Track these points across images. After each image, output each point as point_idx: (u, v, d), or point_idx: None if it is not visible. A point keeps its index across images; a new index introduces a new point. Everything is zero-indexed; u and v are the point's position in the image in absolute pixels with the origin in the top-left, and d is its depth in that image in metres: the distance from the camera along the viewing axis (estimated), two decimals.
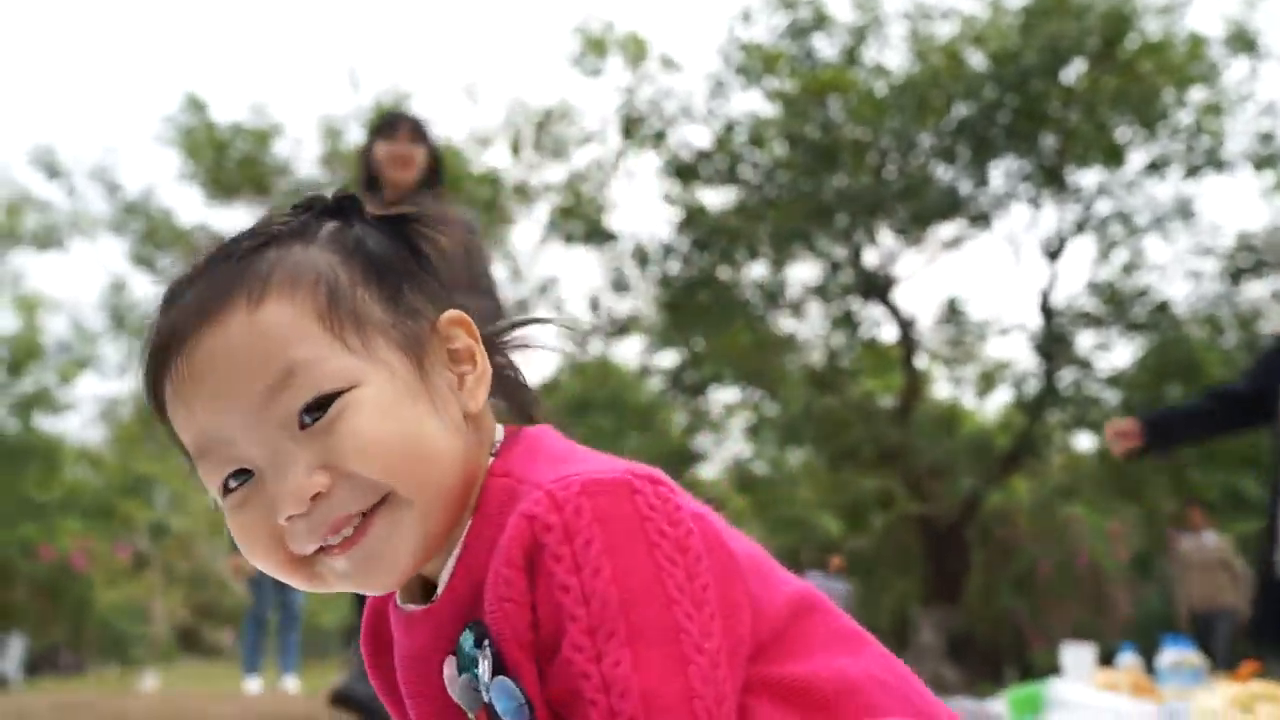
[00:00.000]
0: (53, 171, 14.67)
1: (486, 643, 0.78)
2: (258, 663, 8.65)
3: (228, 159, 14.16)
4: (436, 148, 4.10)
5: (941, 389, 17.04)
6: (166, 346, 0.80)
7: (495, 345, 0.91)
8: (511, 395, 0.92)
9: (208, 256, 0.84)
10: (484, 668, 0.78)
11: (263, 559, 0.81)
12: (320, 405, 0.78)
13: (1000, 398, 16.89)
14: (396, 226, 0.88)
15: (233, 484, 0.81)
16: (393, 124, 4.07)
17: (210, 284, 0.81)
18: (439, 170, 4.09)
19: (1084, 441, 16.27)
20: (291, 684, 8.56)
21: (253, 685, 8.38)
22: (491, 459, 0.86)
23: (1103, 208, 13.42)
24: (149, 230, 14.47)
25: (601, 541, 0.75)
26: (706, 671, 0.74)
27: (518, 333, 0.93)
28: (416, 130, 4.02)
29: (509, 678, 0.77)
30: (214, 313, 0.79)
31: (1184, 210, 13.18)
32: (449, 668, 0.83)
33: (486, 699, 0.79)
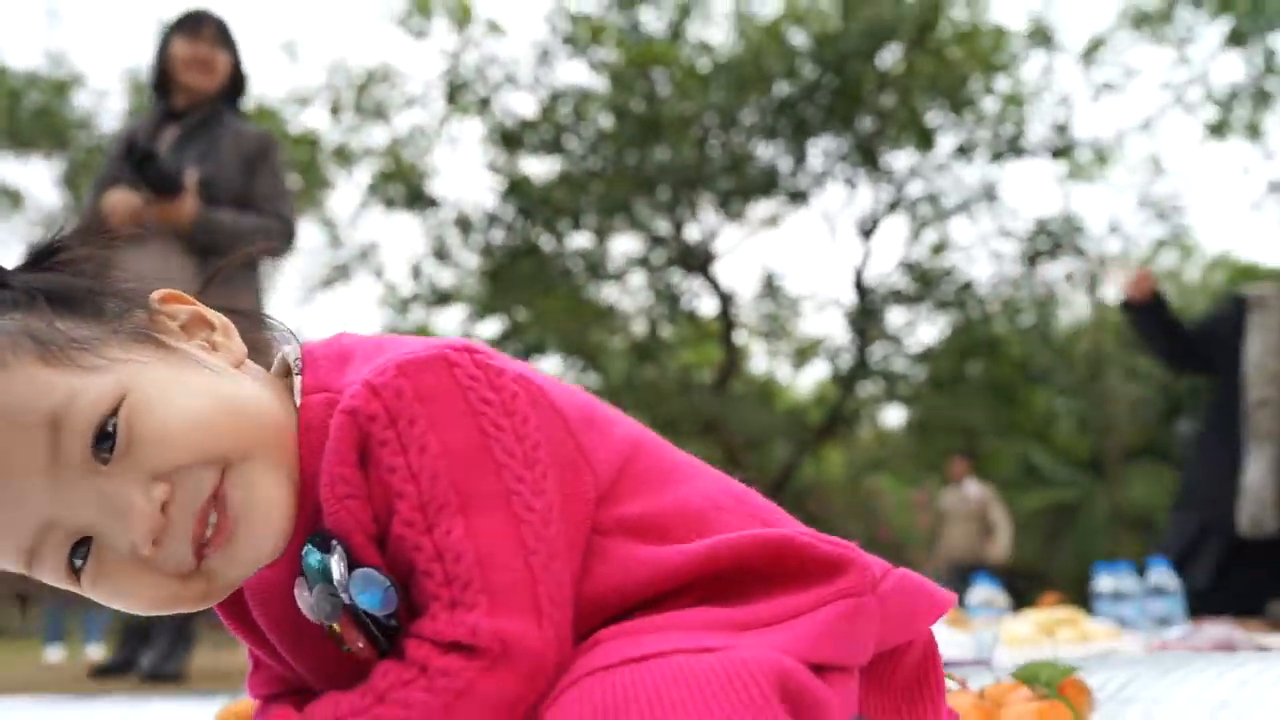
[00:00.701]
0: None
1: (335, 543, 0.76)
2: (59, 631, 8.39)
3: (21, 110, 13.31)
4: (240, 57, 3.72)
5: (759, 363, 17.45)
6: None
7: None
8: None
9: None
10: (338, 568, 0.76)
11: (157, 603, 0.78)
12: (105, 435, 0.74)
13: (815, 372, 17.42)
14: (53, 261, 0.83)
15: (79, 562, 0.77)
16: (196, 21, 3.65)
17: None
18: (241, 84, 3.75)
19: (893, 415, 16.94)
20: (95, 653, 8.28)
21: (53, 655, 8.15)
22: (298, 379, 0.82)
23: (914, 189, 13.92)
24: None
25: (425, 418, 0.75)
26: (539, 529, 0.75)
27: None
28: (222, 32, 3.66)
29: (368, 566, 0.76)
30: None
31: (989, 194, 13.80)
32: (299, 592, 0.79)
33: (347, 600, 0.76)
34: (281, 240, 3.63)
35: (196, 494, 0.75)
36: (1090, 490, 16.08)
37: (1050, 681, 1.25)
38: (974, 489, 8.30)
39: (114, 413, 0.74)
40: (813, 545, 0.82)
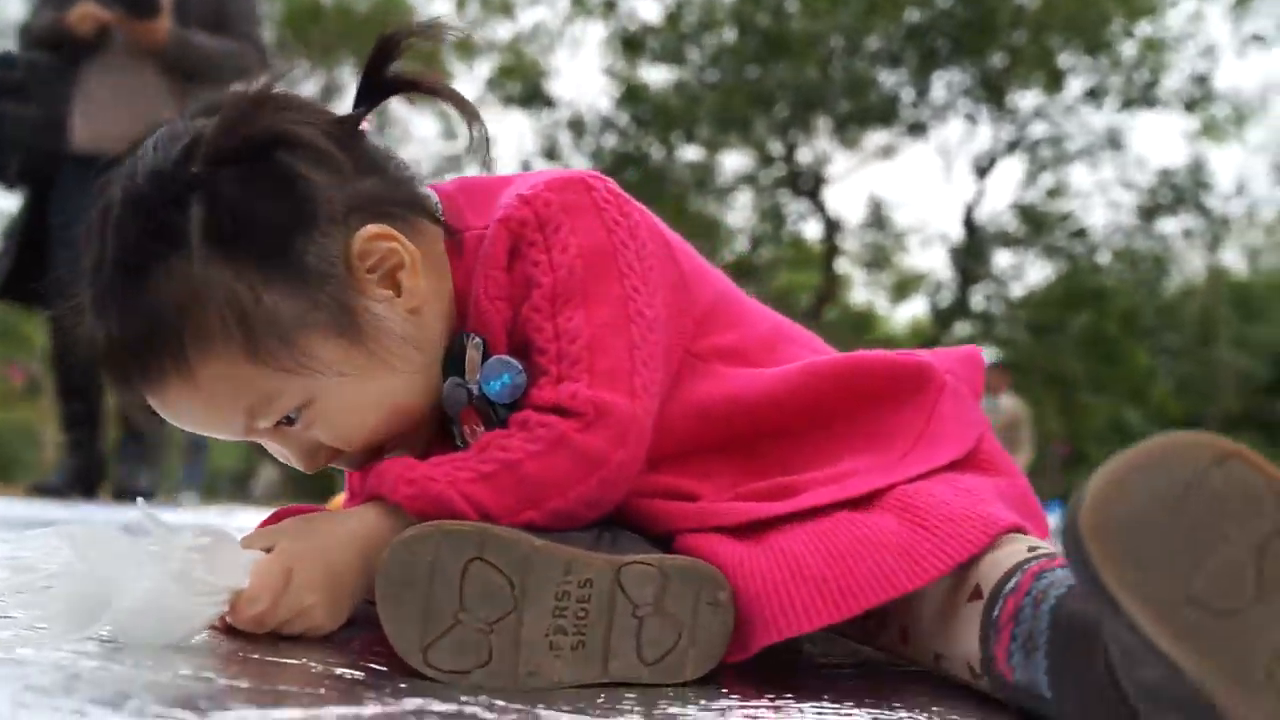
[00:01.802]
0: None
1: (473, 335, 0.87)
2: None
3: None
4: None
5: (858, 293, 17.32)
6: (124, 381, 0.82)
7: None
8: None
9: (98, 278, 0.80)
10: (473, 357, 0.87)
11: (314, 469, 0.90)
12: (288, 418, 0.84)
13: (913, 307, 17.23)
14: (258, 156, 0.80)
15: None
16: None
17: (126, 336, 0.80)
18: None
19: (987, 356, 16.71)
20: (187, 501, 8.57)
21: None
22: (443, 228, 0.89)
23: (1037, 130, 13.57)
24: None
25: (568, 226, 0.86)
26: (645, 332, 0.85)
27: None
28: None
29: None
30: (154, 383, 0.81)
31: (1114, 141, 13.40)
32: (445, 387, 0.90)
33: (475, 390, 0.86)
34: (256, 65, 3.42)
35: (355, 459, 0.88)
36: None
37: None
38: (1009, 402, 7.97)
39: (298, 408, 0.83)
40: (894, 362, 0.94)
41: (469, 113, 0.89)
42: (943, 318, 14.55)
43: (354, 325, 0.82)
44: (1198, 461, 0.50)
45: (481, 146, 0.90)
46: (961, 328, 14.93)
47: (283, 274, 0.80)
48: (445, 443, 0.91)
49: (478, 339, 0.87)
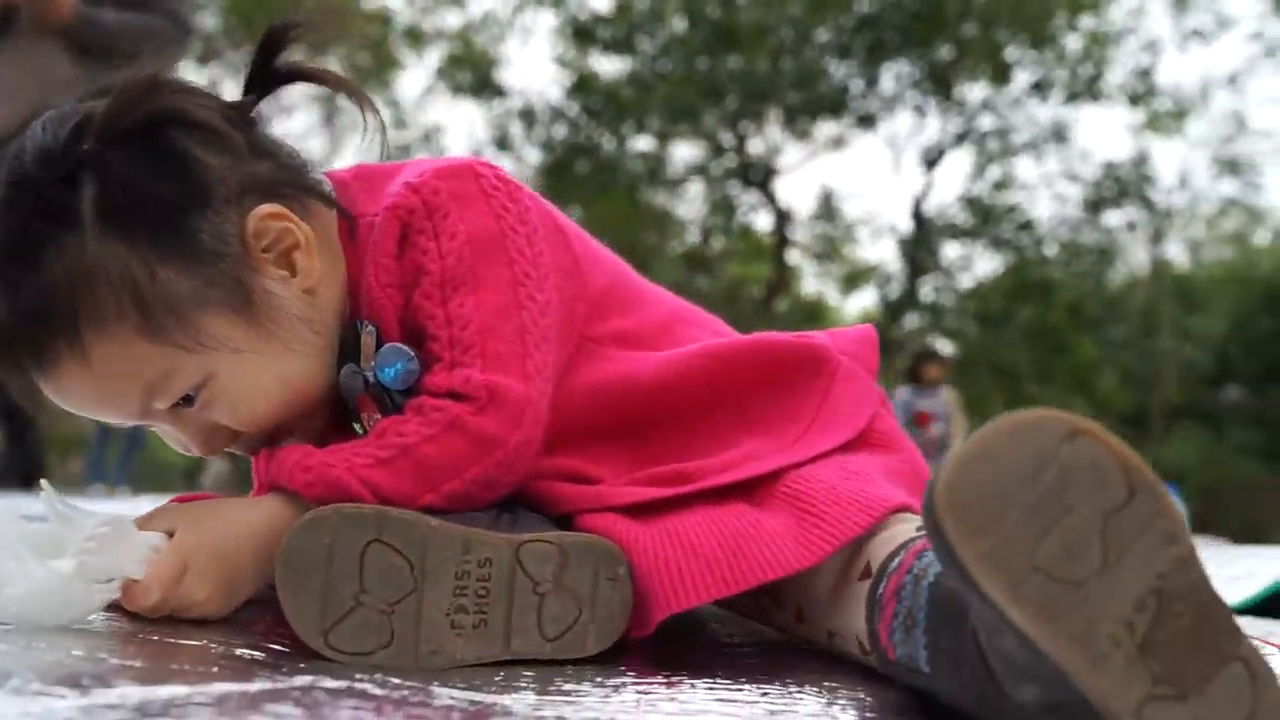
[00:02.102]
0: None
1: (366, 324, 0.87)
2: (99, 478, 8.59)
3: None
4: None
5: (809, 284, 17.42)
6: (15, 367, 0.82)
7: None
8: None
9: None
10: (368, 344, 0.87)
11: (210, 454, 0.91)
12: (186, 398, 0.84)
13: (863, 299, 17.37)
14: (150, 135, 0.80)
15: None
16: None
17: (17, 317, 0.79)
18: None
19: (942, 348, 16.88)
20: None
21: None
22: (334, 212, 0.90)
23: (984, 123, 13.72)
24: None
25: (456, 213, 0.86)
26: (536, 316, 0.86)
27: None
28: None
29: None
30: (47, 364, 0.80)
31: (1059, 134, 13.58)
32: (342, 374, 0.90)
33: (370, 377, 0.87)
34: (173, 41, 3.23)
35: (251, 443, 0.88)
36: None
37: None
38: (946, 395, 7.54)
39: (196, 388, 0.83)
40: (786, 344, 0.96)
41: (361, 100, 0.90)
42: (892, 309, 14.69)
43: (249, 303, 0.82)
44: (1050, 436, 0.52)
45: (376, 132, 0.91)
46: (911, 319, 15.08)
47: (177, 251, 0.79)
48: (345, 431, 0.92)
49: (370, 327, 0.87)
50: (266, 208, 0.84)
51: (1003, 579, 0.50)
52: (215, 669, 0.64)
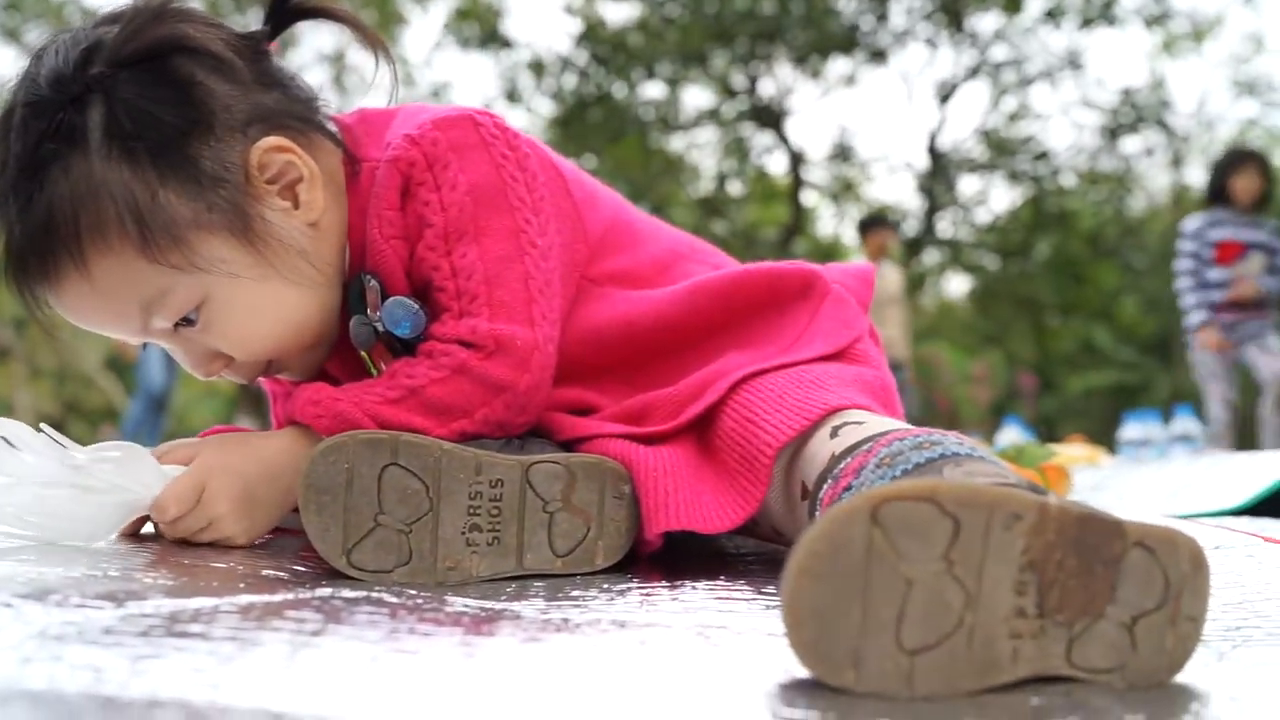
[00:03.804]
0: None
1: (370, 277, 0.90)
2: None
3: None
4: None
5: (825, 224, 17.33)
6: (26, 285, 0.84)
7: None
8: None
9: (2, 181, 0.83)
10: (373, 298, 0.90)
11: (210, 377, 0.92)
12: (187, 319, 0.86)
13: None
14: (155, 61, 0.82)
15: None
16: None
17: (25, 233, 0.82)
18: None
19: (956, 285, 16.84)
20: None
21: None
22: (341, 152, 0.92)
23: (997, 53, 13.55)
24: None
25: (456, 164, 0.88)
26: (539, 261, 0.89)
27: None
28: None
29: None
30: (53, 278, 0.83)
31: (1074, 62, 13.39)
32: (352, 323, 0.93)
33: (379, 327, 0.90)
34: None
35: (248, 370, 0.91)
36: (1152, 373, 15.96)
37: (1033, 461, 1.39)
38: (891, 274, 6.23)
39: (196, 308, 0.85)
40: (776, 272, 0.98)
41: (374, 41, 0.92)
42: (910, 246, 14.60)
43: (248, 230, 0.84)
44: (857, 527, 0.48)
45: (387, 75, 0.93)
46: (929, 255, 15.00)
47: (178, 174, 0.82)
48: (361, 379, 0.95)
49: (374, 280, 0.89)
50: (272, 140, 0.85)
51: (878, 682, 0.48)
52: (241, 585, 0.68)
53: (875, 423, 0.77)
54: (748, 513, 0.81)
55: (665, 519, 0.82)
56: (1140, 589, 0.53)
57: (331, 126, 0.92)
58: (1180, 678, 0.55)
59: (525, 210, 0.89)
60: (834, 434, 0.78)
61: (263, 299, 0.86)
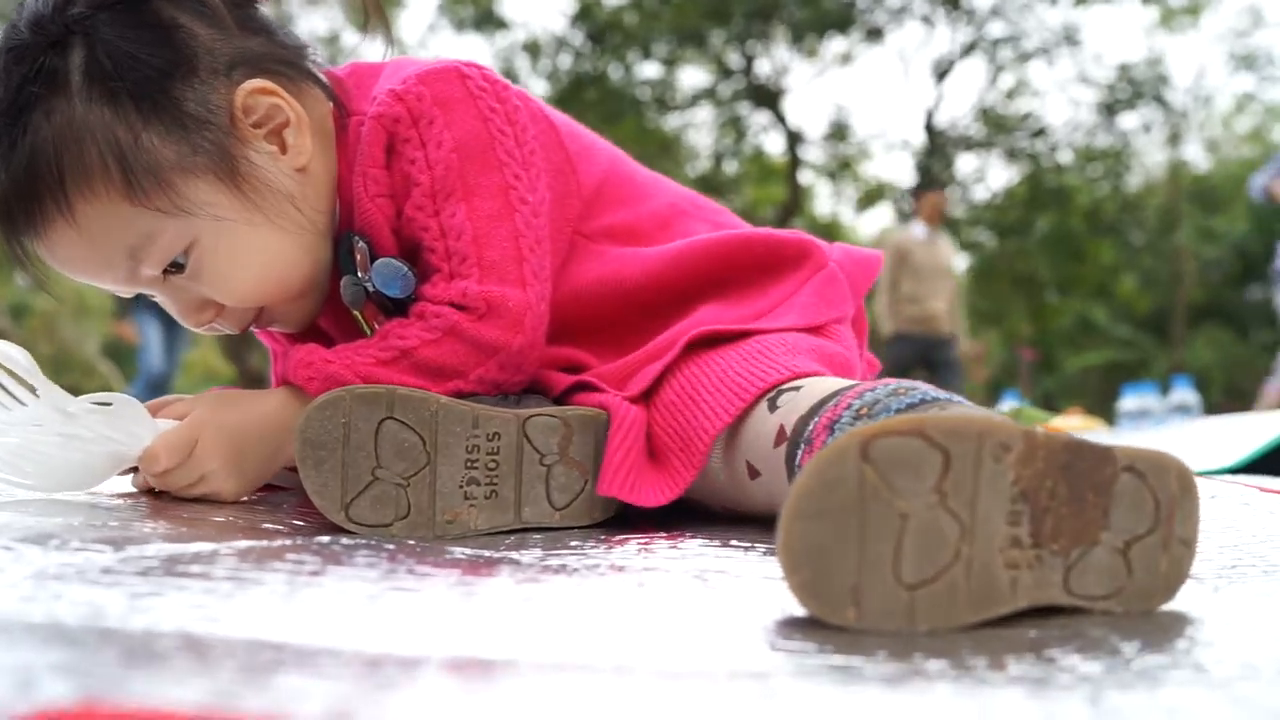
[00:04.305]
0: None
1: (358, 238, 0.89)
2: None
3: None
4: None
5: (823, 204, 17.32)
6: (14, 234, 0.84)
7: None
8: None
9: None
10: (362, 258, 0.89)
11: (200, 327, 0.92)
12: (175, 264, 0.85)
13: (879, 216, 17.26)
14: (136, 4, 0.82)
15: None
16: None
17: (9, 180, 0.81)
18: None
19: (954, 263, 16.81)
20: None
21: None
22: (331, 107, 0.91)
23: (994, 30, 13.51)
24: None
25: (442, 119, 0.87)
26: (529, 218, 0.88)
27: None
28: None
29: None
30: (40, 226, 0.82)
31: (1070, 37, 13.36)
32: (342, 283, 0.92)
33: (369, 287, 0.90)
34: None
35: (238, 318, 0.90)
36: (1150, 350, 15.99)
37: (1031, 422, 1.39)
38: (943, 243, 5.69)
39: (184, 253, 0.84)
40: (774, 238, 0.98)
41: (369, 3, 0.91)
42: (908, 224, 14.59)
43: (234, 172, 0.83)
44: (849, 465, 0.48)
45: (380, 31, 0.91)
46: None
47: (161, 116, 0.81)
48: (357, 336, 0.95)
49: (361, 241, 0.89)
50: (256, 82, 0.85)
51: (880, 619, 0.48)
52: (240, 534, 0.68)
53: (817, 385, 0.76)
54: (675, 493, 0.82)
55: (608, 482, 0.82)
56: (1132, 513, 0.53)
57: (321, 75, 0.91)
58: (1175, 607, 0.55)
59: (514, 166, 0.88)
60: (772, 407, 0.78)
61: (250, 243, 0.85)
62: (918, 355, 5.42)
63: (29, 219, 0.82)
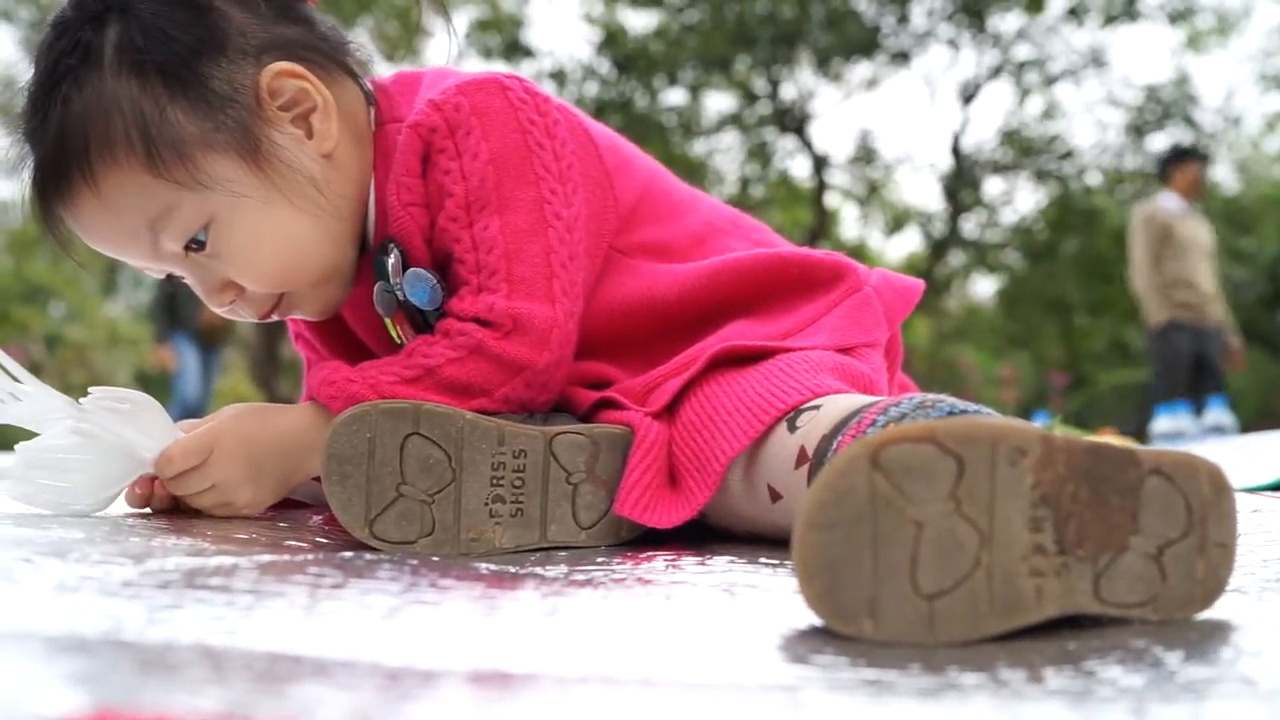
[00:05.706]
0: None
1: (392, 246, 0.88)
2: None
3: None
4: None
5: (850, 228, 17.28)
6: (45, 204, 0.85)
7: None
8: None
9: (29, 101, 0.84)
10: (393, 266, 0.88)
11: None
12: (197, 241, 0.86)
13: (906, 241, 17.21)
14: None
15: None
16: None
17: (41, 148, 0.83)
18: None
19: (982, 287, 16.74)
20: None
21: None
22: (372, 110, 0.92)
23: (1020, 53, 13.48)
24: None
25: (479, 130, 0.86)
26: (562, 234, 0.87)
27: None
28: None
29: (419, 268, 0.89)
30: (66, 195, 0.84)
31: (1098, 59, 13.31)
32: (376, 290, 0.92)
33: (400, 296, 0.89)
34: None
35: (258, 302, 0.90)
36: None
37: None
38: (1198, 223, 5.08)
39: (204, 229, 0.85)
40: (810, 258, 0.96)
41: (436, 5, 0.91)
42: (936, 248, 14.54)
43: (255, 151, 0.84)
44: (859, 475, 0.47)
45: (440, 20, 0.92)
46: (955, 257, 14.93)
47: (187, 92, 0.83)
48: (386, 347, 0.94)
49: (395, 249, 0.88)
50: (282, 65, 0.85)
51: (897, 629, 0.47)
52: (262, 549, 0.68)
53: (837, 403, 0.75)
54: (687, 515, 0.81)
55: (623, 501, 0.81)
56: (1163, 517, 0.51)
57: (358, 71, 0.92)
58: (1219, 617, 0.53)
59: (550, 180, 0.88)
60: (792, 428, 0.77)
61: (269, 223, 0.86)
62: (1193, 348, 4.70)
63: (58, 188, 0.84)
